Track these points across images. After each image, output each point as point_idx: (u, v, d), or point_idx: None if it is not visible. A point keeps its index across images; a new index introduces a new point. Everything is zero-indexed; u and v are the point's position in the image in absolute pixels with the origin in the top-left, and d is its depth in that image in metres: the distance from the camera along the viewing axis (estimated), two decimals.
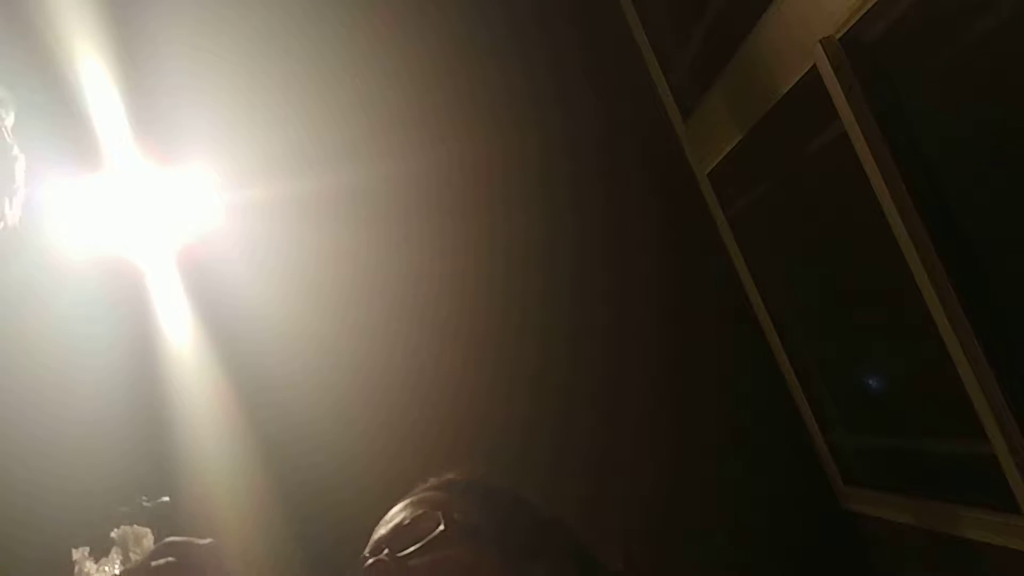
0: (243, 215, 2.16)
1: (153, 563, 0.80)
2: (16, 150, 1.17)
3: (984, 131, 1.34)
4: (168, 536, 0.82)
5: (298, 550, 2.02)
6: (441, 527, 0.79)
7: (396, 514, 0.86)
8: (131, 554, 0.95)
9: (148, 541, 0.97)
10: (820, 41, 1.51)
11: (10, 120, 1.17)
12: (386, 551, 0.79)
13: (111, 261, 2.08)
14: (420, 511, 0.83)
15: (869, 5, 1.39)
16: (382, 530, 0.85)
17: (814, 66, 1.56)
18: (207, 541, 0.84)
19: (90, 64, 2.06)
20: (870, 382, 2.02)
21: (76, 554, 0.93)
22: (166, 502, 1.07)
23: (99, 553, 0.96)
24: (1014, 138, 1.27)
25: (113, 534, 0.97)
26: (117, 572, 0.93)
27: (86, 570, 0.92)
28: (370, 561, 0.78)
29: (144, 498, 1.06)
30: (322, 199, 2.17)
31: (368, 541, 0.84)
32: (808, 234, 2.02)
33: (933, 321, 1.47)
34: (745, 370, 2.31)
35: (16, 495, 1.89)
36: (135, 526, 0.98)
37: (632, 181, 2.36)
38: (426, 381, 2.14)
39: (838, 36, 1.49)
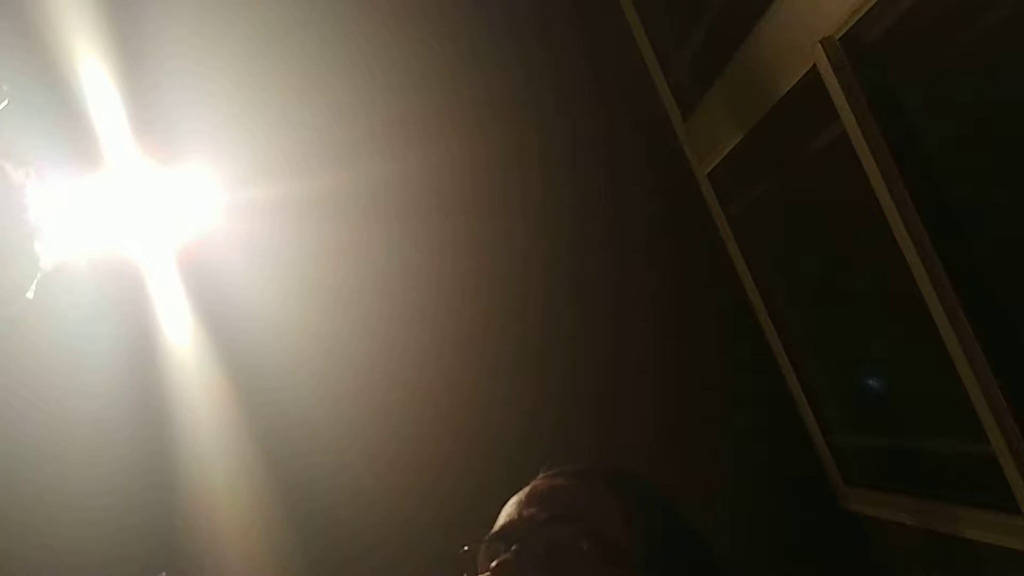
0: (243, 215, 2.16)
1: None
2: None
3: (984, 131, 1.34)
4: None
5: (297, 549, 2.02)
6: (584, 544, 0.72)
7: (528, 503, 0.79)
8: None
9: None
10: (820, 41, 1.51)
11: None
12: (515, 547, 0.73)
13: (111, 261, 2.08)
14: (557, 507, 0.76)
15: (869, 5, 1.39)
16: (511, 514, 0.78)
17: (814, 66, 1.56)
18: None
19: (90, 64, 2.06)
20: (870, 382, 2.02)
21: None
22: None
23: None
24: (1014, 138, 1.27)
25: None
26: None
27: None
28: (496, 562, 0.72)
29: None
30: (322, 199, 2.17)
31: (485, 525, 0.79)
32: (808, 234, 2.02)
33: (933, 321, 1.47)
34: (745, 370, 2.31)
35: (16, 495, 1.89)
36: None
37: (632, 181, 2.36)
38: (426, 381, 2.14)
39: (838, 36, 1.49)
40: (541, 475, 0.85)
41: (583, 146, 2.34)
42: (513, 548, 0.73)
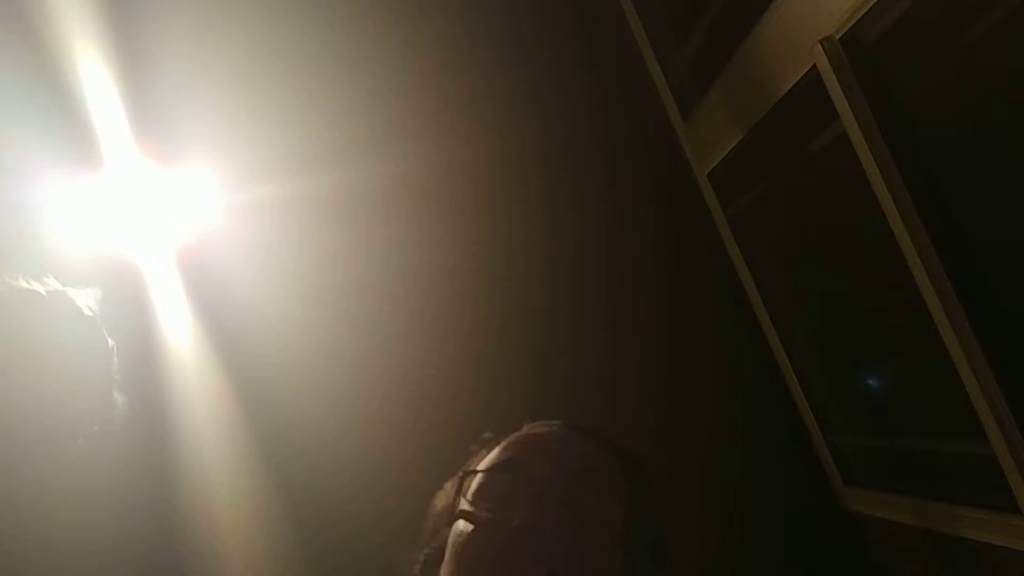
0: (243, 215, 2.16)
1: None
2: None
3: (983, 130, 1.34)
4: None
5: (297, 549, 2.02)
6: (604, 520, 0.72)
7: (543, 451, 0.77)
8: None
9: None
10: (820, 41, 1.52)
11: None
12: (538, 504, 0.71)
13: (111, 261, 2.07)
14: (576, 464, 0.75)
15: (869, 5, 1.39)
16: (519, 453, 0.76)
17: (814, 66, 1.56)
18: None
19: (90, 64, 2.06)
20: (870, 382, 2.02)
21: None
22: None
23: None
24: (1013, 137, 1.27)
25: None
26: None
27: None
28: (519, 520, 0.70)
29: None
30: (322, 199, 2.17)
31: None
32: (808, 234, 2.02)
33: (933, 321, 1.47)
34: (745, 370, 2.31)
35: (16, 495, 1.88)
36: None
37: (632, 181, 2.36)
38: (426, 381, 2.14)
39: (838, 36, 1.50)
40: (543, 423, 0.82)
41: (583, 147, 2.34)
42: (537, 506, 0.69)
